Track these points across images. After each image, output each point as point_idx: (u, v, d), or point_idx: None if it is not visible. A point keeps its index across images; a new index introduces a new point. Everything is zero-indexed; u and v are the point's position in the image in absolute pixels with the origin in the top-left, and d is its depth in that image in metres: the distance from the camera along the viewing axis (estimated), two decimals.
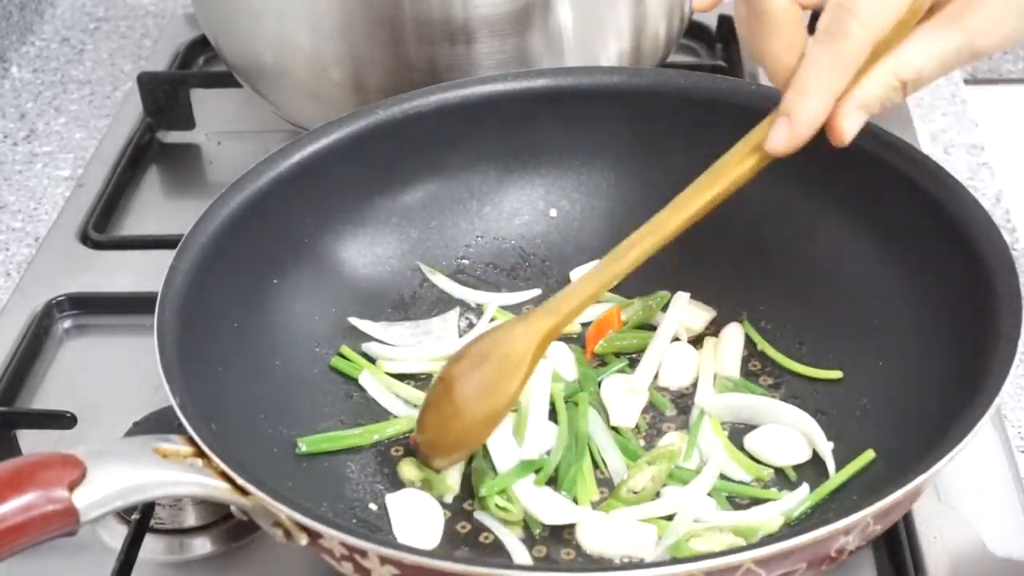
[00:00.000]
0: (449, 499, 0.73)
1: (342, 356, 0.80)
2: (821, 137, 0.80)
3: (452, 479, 0.73)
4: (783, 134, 0.66)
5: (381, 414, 0.78)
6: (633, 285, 0.85)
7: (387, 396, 0.78)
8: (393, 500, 0.72)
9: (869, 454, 0.70)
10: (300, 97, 0.96)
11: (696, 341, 0.82)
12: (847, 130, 0.65)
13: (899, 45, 0.63)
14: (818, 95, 0.64)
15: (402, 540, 0.69)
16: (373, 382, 0.78)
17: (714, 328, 0.83)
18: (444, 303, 0.85)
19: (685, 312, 0.83)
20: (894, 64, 0.63)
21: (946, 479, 0.73)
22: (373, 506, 0.72)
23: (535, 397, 0.75)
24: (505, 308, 0.84)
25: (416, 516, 0.71)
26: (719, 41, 1.15)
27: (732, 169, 0.70)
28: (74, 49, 1.24)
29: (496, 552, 0.69)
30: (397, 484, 0.74)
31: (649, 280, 0.85)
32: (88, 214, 0.99)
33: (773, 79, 0.67)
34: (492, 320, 0.83)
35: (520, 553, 0.69)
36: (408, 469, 0.74)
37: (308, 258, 0.81)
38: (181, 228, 0.74)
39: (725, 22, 1.15)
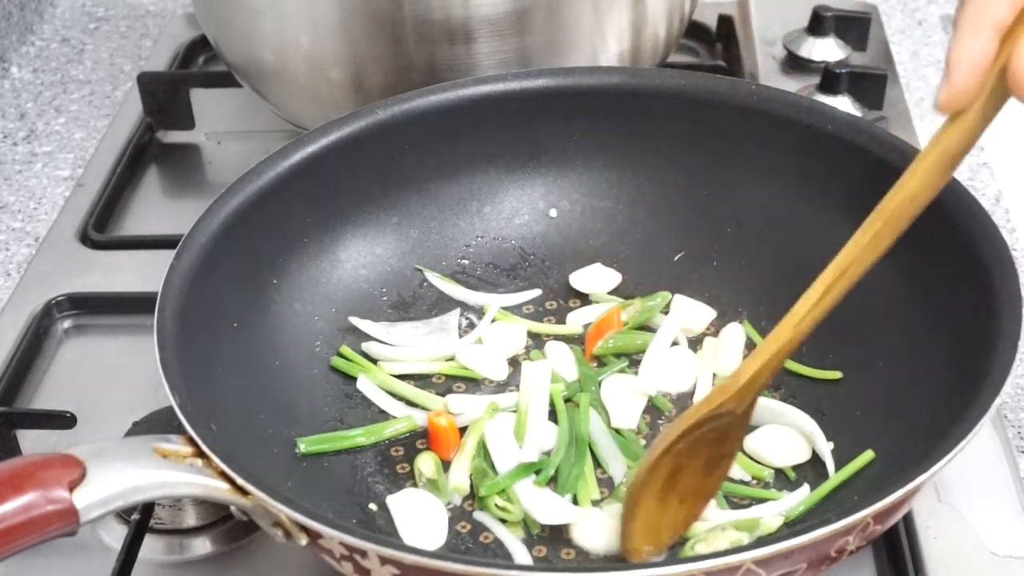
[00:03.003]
0: (458, 500, 0.73)
1: (342, 356, 0.80)
2: (815, 140, 0.80)
3: (461, 480, 0.73)
4: (942, 86, 0.56)
5: (381, 414, 0.78)
6: (633, 285, 0.85)
7: (385, 399, 0.78)
8: (395, 502, 0.72)
9: (869, 454, 0.70)
10: (300, 97, 0.96)
11: (696, 341, 0.82)
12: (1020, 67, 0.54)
13: None
14: (974, 30, 0.54)
15: (408, 541, 0.69)
16: (371, 386, 0.78)
17: (714, 328, 0.83)
18: (444, 303, 0.85)
19: (686, 312, 0.83)
20: None
21: (946, 479, 0.73)
22: (373, 506, 0.72)
23: (535, 398, 0.75)
24: (506, 309, 0.84)
25: (420, 516, 0.71)
26: (719, 41, 1.15)
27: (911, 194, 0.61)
28: (74, 49, 1.24)
29: (496, 552, 0.69)
30: (397, 484, 0.74)
31: (649, 280, 0.85)
32: (88, 214, 0.99)
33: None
34: (493, 321, 0.83)
35: (520, 553, 0.69)
36: (425, 463, 0.73)
37: (308, 258, 0.81)
38: (181, 228, 0.74)
39: (725, 22, 1.15)
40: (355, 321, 0.81)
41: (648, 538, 0.66)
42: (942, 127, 0.59)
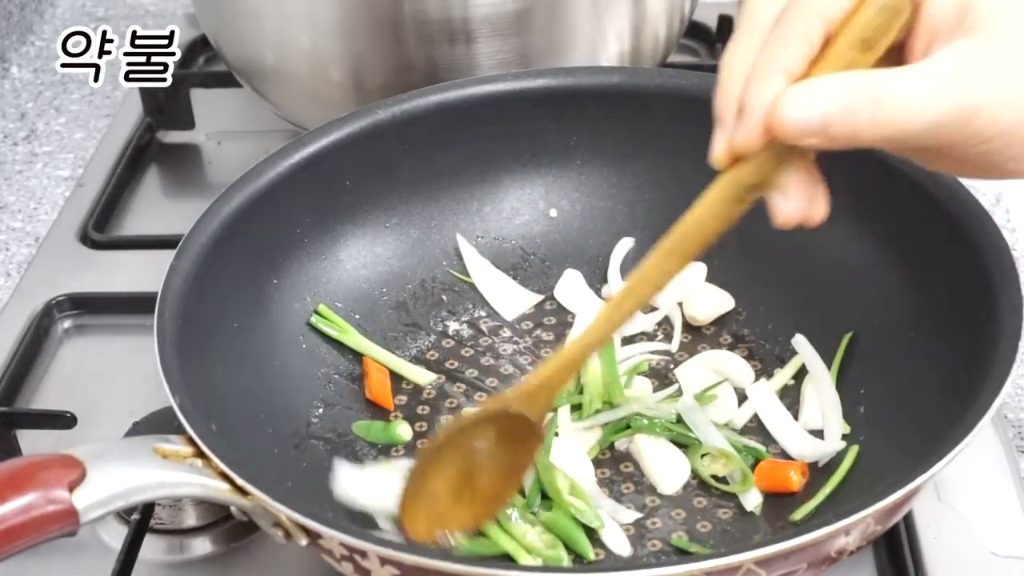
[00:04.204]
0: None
1: (319, 315, 0.80)
2: None
3: (405, 432, 0.76)
4: (739, 127, 0.53)
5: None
6: None
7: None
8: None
9: (854, 450, 0.71)
10: (300, 97, 0.96)
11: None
12: (786, 108, 0.51)
13: (886, 67, 0.52)
14: (764, 74, 0.52)
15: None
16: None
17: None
18: (443, 305, 0.85)
19: (702, 293, 0.83)
20: (869, 74, 0.51)
21: (946, 479, 0.73)
22: None
23: None
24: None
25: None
26: (719, 41, 1.15)
27: (712, 213, 0.58)
28: None
29: None
30: None
31: None
32: (88, 214, 0.99)
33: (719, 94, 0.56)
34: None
35: None
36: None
37: (308, 258, 0.81)
38: (181, 228, 0.74)
39: (725, 22, 1.15)
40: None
41: (432, 522, 0.65)
42: (723, 184, 0.57)
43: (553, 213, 0.88)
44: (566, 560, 0.68)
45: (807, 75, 0.52)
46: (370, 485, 0.71)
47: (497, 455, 0.65)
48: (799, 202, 0.56)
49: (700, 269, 0.84)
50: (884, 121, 0.51)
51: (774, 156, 0.54)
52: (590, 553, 0.68)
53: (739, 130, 0.53)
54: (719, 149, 0.55)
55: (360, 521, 0.70)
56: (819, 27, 0.52)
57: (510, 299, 0.85)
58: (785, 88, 0.51)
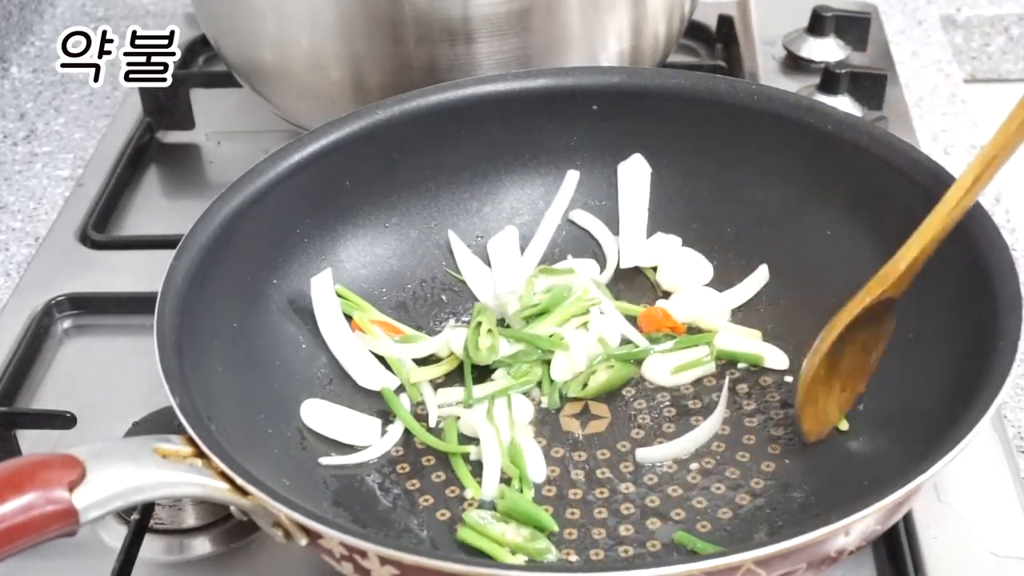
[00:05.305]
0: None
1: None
2: (815, 140, 0.80)
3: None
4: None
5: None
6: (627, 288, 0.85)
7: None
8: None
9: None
10: (300, 97, 0.96)
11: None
12: None
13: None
14: None
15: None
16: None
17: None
18: (443, 305, 0.85)
19: (680, 262, 0.84)
20: None
21: (946, 479, 0.73)
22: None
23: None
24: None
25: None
26: (719, 41, 1.15)
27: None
28: None
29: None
30: (398, 484, 0.74)
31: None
32: (88, 214, 0.99)
33: None
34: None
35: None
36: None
37: (308, 258, 0.81)
38: (181, 228, 0.74)
39: (725, 22, 1.15)
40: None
41: (817, 419, 0.73)
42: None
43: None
44: (553, 551, 0.68)
45: None
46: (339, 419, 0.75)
47: (860, 338, 0.71)
48: None
49: (675, 240, 0.85)
50: None
51: None
52: (553, 525, 0.69)
53: None
54: None
55: (360, 521, 0.70)
56: None
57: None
58: None
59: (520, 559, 0.68)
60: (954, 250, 0.71)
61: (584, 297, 0.81)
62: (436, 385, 0.79)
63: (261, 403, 0.73)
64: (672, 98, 0.84)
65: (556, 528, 0.70)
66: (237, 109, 1.11)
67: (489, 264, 0.85)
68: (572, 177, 0.87)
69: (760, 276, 0.82)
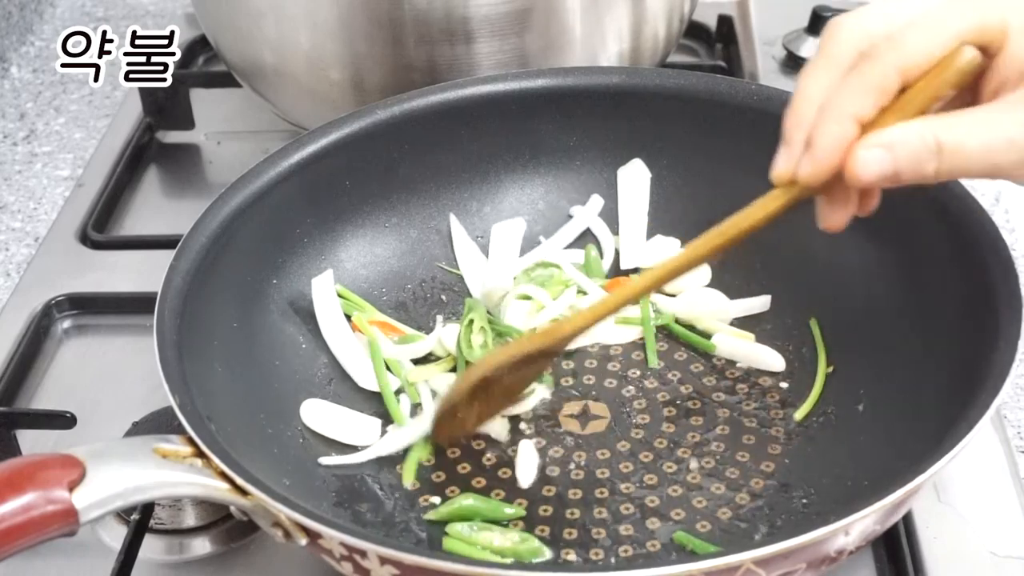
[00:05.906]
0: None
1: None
2: None
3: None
4: (805, 160, 0.59)
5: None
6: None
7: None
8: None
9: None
10: (300, 97, 0.96)
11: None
12: (861, 162, 0.57)
13: (950, 112, 0.58)
14: (838, 116, 0.58)
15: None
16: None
17: None
18: (443, 305, 0.85)
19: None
20: (936, 123, 0.57)
21: (946, 479, 0.73)
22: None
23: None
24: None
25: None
26: (719, 41, 1.15)
27: (762, 207, 0.63)
28: None
29: None
30: (398, 484, 0.74)
31: None
32: (88, 214, 0.99)
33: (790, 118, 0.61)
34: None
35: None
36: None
37: (308, 258, 0.81)
38: (181, 228, 0.74)
39: (725, 22, 1.15)
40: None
41: (453, 428, 0.74)
42: (777, 193, 0.62)
43: (553, 213, 0.88)
44: (546, 551, 0.68)
45: (877, 122, 0.57)
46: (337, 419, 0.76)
47: (514, 374, 0.72)
48: (846, 208, 0.62)
49: (674, 242, 0.86)
50: (948, 169, 0.57)
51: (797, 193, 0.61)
52: (507, 512, 0.71)
53: (805, 163, 0.59)
54: (782, 169, 0.60)
55: (359, 521, 0.71)
56: (896, 80, 0.57)
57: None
58: (856, 136, 0.57)
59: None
60: (954, 250, 0.71)
61: (561, 280, 0.83)
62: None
63: (261, 403, 0.73)
64: (672, 98, 0.84)
65: (514, 512, 0.71)
66: (237, 109, 1.11)
67: (487, 254, 0.86)
68: (595, 202, 0.87)
69: (762, 302, 0.83)
